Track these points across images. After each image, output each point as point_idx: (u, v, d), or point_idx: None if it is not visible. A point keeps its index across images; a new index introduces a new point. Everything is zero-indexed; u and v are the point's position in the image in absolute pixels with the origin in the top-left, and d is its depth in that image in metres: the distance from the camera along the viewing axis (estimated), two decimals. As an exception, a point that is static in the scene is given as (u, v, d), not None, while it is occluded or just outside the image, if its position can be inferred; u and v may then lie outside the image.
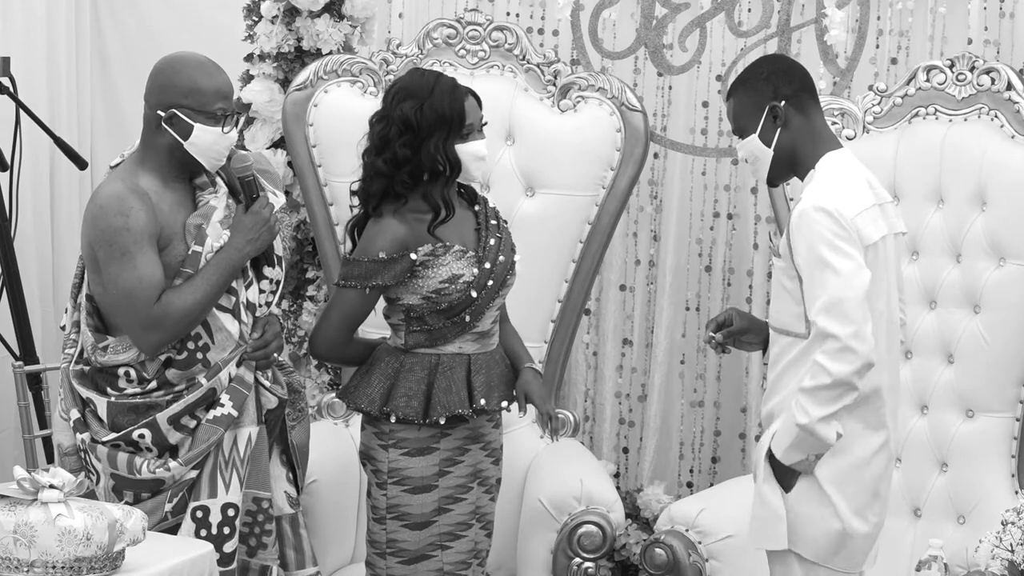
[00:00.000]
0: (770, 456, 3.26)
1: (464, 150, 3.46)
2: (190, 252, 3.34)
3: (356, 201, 3.52)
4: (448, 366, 3.49)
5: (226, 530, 3.37)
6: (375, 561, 3.55)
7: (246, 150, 3.54)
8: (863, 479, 3.26)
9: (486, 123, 3.53)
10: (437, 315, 3.46)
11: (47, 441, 4.19)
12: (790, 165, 3.32)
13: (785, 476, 3.26)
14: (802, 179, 3.32)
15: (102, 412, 3.36)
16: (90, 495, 3.33)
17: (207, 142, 3.35)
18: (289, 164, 4.45)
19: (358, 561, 4.17)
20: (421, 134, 3.41)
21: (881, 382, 3.28)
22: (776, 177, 3.36)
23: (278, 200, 3.54)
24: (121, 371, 3.36)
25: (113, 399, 3.36)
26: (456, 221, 3.48)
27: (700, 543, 3.84)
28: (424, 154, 3.42)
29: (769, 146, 3.30)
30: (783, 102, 3.28)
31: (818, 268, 3.16)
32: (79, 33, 5.17)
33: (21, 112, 4.46)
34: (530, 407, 3.57)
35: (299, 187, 4.39)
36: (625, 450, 4.85)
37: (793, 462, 3.23)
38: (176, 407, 3.33)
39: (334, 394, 4.33)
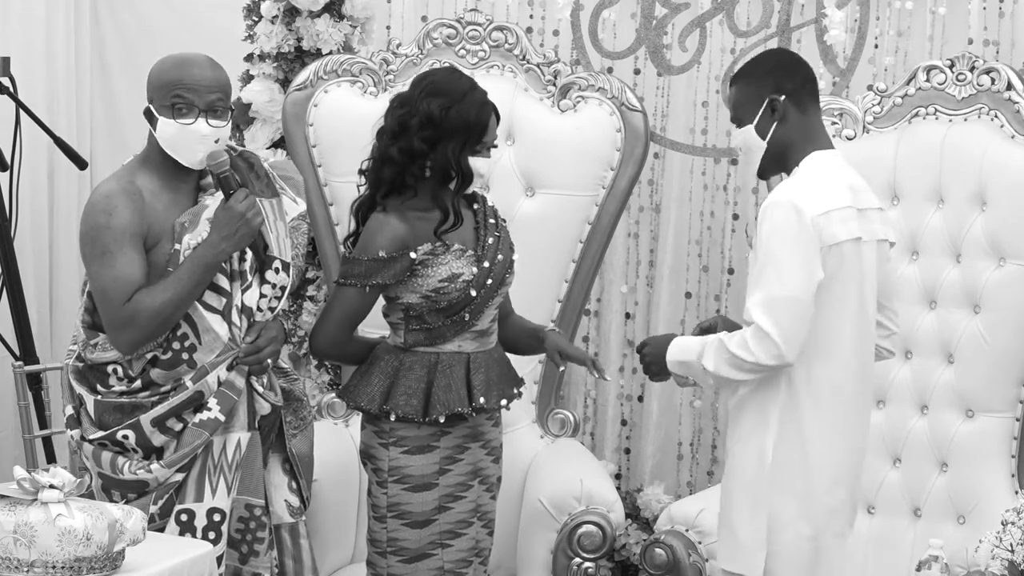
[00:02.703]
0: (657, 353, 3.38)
1: (470, 163, 3.46)
2: (172, 250, 3.33)
3: (362, 179, 3.52)
4: (447, 364, 3.49)
5: (211, 535, 3.35)
6: (376, 560, 3.55)
7: (237, 149, 3.50)
8: (814, 479, 3.27)
9: (496, 146, 3.53)
10: (436, 314, 3.46)
11: (47, 441, 4.19)
12: (780, 160, 3.33)
13: (660, 371, 3.39)
14: (789, 175, 3.34)
15: (90, 409, 3.36)
16: (90, 495, 3.32)
17: (169, 135, 3.33)
18: (289, 164, 4.45)
19: (358, 561, 4.17)
20: (440, 134, 3.41)
21: (846, 381, 3.27)
22: (767, 170, 3.37)
23: (298, 207, 3.52)
24: (111, 368, 3.36)
25: (100, 397, 3.35)
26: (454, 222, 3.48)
27: (700, 543, 3.84)
28: (439, 154, 3.42)
29: (764, 139, 3.31)
30: (783, 97, 3.29)
31: (767, 260, 3.19)
32: (79, 33, 5.17)
33: (21, 112, 4.46)
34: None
35: (299, 187, 4.39)
36: (627, 451, 4.85)
37: (676, 372, 3.36)
38: (160, 409, 3.32)
39: (334, 394, 4.33)
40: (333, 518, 4.09)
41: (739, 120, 3.35)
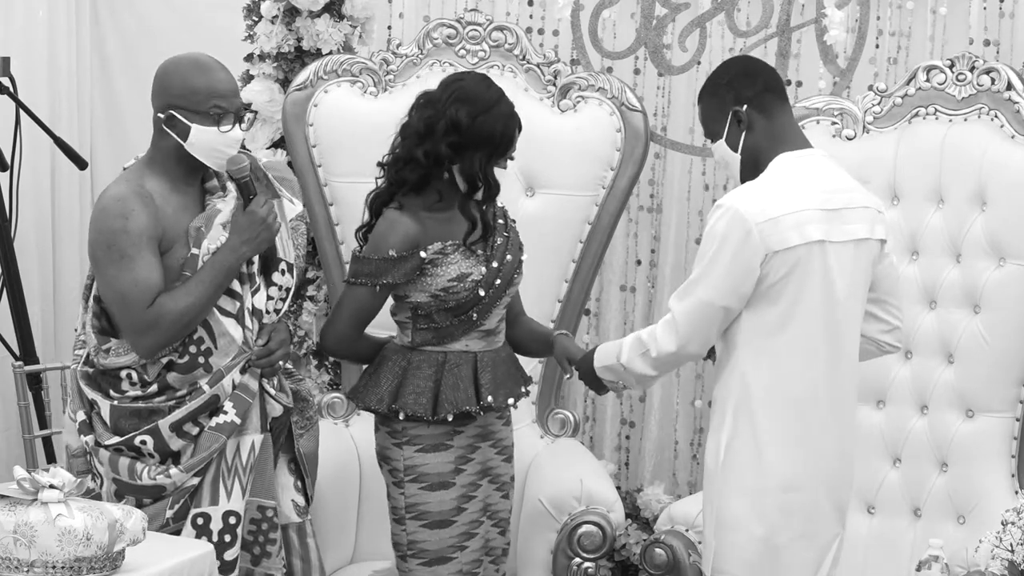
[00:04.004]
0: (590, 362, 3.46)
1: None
2: (189, 255, 3.33)
3: (380, 173, 3.52)
4: (455, 363, 3.49)
5: (227, 537, 3.35)
6: (399, 564, 3.55)
7: (245, 150, 3.52)
8: (766, 477, 3.26)
9: (513, 158, 3.53)
10: (445, 313, 3.46)
11: (47, 441, 4.19)
12: (755, 168, 3.32)
13: (596, 384, 3.47)
14: None
15: (105, 415, 3.35)
16: (96, 498, 3.31)
17: (204, 142, 3.33)
18: (289, 164, 4.45)
19: (358, 561, 4.17)
20: (466, 142, 3.41)
21: (810, 382, 3.26)
22: (747, 179, 3.35)
23: (295, 208, 3.53)
24: (124, 373, 3.35)
25: (116, 402, 3.34)
26: (464, 221, 3.48)
27: (700, 543, 3.84)
28: (464, 163, 3.41)
29: (736, 150, 3.32)
30: (745, 106, 3.29)
31: (700, 258, 3.24)
32: (79, 33, 5.17)
33: (21, 112, 4.46)
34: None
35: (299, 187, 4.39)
36: (626, 450, 4.85)
37: (606, 379, 3.44)
38: (178, 413, 3.32)
39: (335, 394, 4.34)
40: (333, 518, 4.09)
41: (711, 135, 3.37)
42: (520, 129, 3.50)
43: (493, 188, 3.46)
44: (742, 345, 3.25)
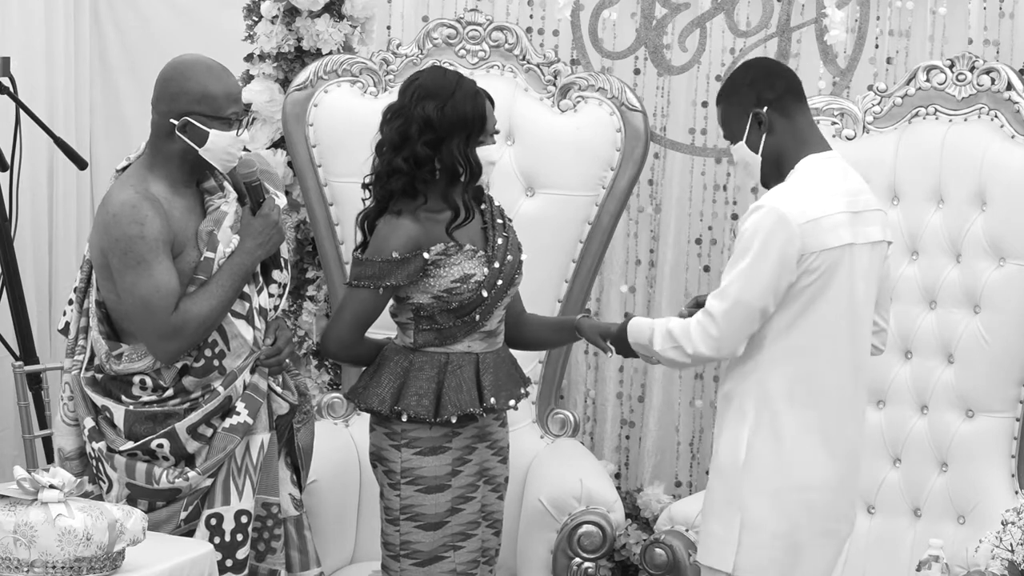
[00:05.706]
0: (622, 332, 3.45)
1: (478, 155, 3.46)
2: (203, 258, 3.32)
3: (367, 193, 3.52)
4: (457, 365, 3.48)
5: (239, 537, 3.36)
6: (389, 564, 3.55)
7: (246, 151, 3.52)
8: (789, 476, 3.27)
9: (499, 131, 3.52)
10: (447, 314, 3.46)
11: (47, 441, 4.19)
12: (777, 169, 3.33)
13: (633, 353, 3.47)
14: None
15: (119, 420, 3.34)
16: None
17: (221, 147, 3.33)
18: (289, 164, 4.45)
19: (358, 561, 4.17)
20: (441, 134, 3.41)
21: (834, 382, 3.27)
22: (769, 180, 3.36)
23: (280, 201, 3.53)
24: (136, 379, 3.33)
25: (131, 407, 3.33)
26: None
27: (697, 542, 3.83)
28: (445, 154, 3.41)
29: (756, 152, 3.33)
30: (766, 108, 3.29)
31: (741, 257, 3.22)
32: (79, 33, 5.17)
33: (21, 112, 4.46)
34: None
35: (299, 187, 4.39)
36: (626, 450, 4.85)
37: (640, 353, 3.44)
38: (195, 416, 3.31)
39: (334, 394, 4.33)
40: (333, 518, 4.09)
41: (731, 137, 3.37)
42: (493, 104, 3.50)
43: (475, 168, 3.45)
44: (767, 343, 3.26)
